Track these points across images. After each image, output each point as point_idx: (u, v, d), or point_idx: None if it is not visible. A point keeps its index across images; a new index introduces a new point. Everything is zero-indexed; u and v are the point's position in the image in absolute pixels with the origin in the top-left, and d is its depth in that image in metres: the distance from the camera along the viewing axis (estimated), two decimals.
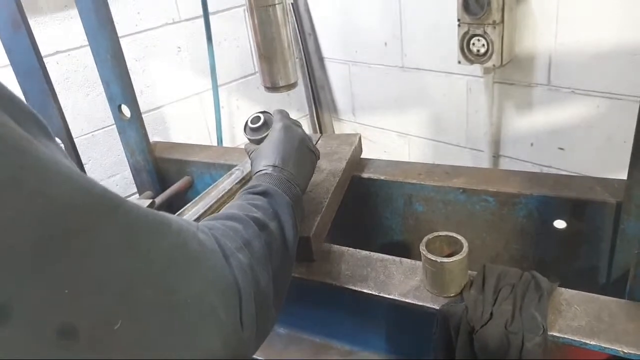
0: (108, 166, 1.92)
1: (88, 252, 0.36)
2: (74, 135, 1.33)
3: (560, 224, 1.07)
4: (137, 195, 1.57)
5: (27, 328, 0.33)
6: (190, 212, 1.05)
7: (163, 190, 1.45)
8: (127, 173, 1.57)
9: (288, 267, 0.72)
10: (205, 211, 1.05)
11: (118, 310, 0.38)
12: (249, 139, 0.95)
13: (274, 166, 0.84)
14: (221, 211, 0.70)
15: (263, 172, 0.83)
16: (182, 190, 1.41)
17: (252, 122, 0.94)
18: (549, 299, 0.80)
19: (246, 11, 0.96)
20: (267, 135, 0.92)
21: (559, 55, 1.66)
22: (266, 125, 0.94)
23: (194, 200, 1.09)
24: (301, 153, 0.90)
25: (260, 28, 0.97)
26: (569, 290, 0.83)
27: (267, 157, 0.86)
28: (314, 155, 0.95)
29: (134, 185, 1.57)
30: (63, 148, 0.45)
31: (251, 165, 0.90)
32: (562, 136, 1.78)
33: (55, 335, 0.34)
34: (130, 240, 0.40)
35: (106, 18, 1.24)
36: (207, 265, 0.50)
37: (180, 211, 1.06)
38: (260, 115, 0.94)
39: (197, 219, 1.02)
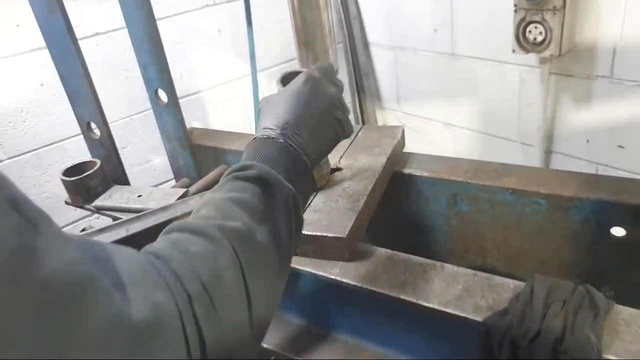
0: (146, 150, 1.91)
1: None
2: (112, 118, 1.32)
3: (618, 231, 0.98)
4: (174, 181, 1.55)
5: None
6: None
7: (200, 177, 1.43)
8: (166, 158, 1.55)
9: (277, 284, 0.58)
10: None
11: None
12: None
13: (283, 127, 0.66)
14: (195, 212, 0.57)
15: (266, 135, 0.66)
16: (217, 179, 1.37)
17: (284, 74, 0.81)
18: (605, 317, 0.73)
19: None
20: None
21: (625, 45, 1.54)
22: None
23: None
24: (324, 119, 0.71)
25: (299, 11, 0.92)
26: (628, 308, 0.75)
27: (277, 113, 0.68)
28: (342, 128, 0.75)
29: (172, 171, 1.56)
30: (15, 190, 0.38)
31: (258, 119, 0.73)
32: (623, 133, 1.66)
33: None
34: (44, 319, 0.32)
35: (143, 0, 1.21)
36: (160, 337, 0.41)
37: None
38: (302, 70, 0.79)
39: None
